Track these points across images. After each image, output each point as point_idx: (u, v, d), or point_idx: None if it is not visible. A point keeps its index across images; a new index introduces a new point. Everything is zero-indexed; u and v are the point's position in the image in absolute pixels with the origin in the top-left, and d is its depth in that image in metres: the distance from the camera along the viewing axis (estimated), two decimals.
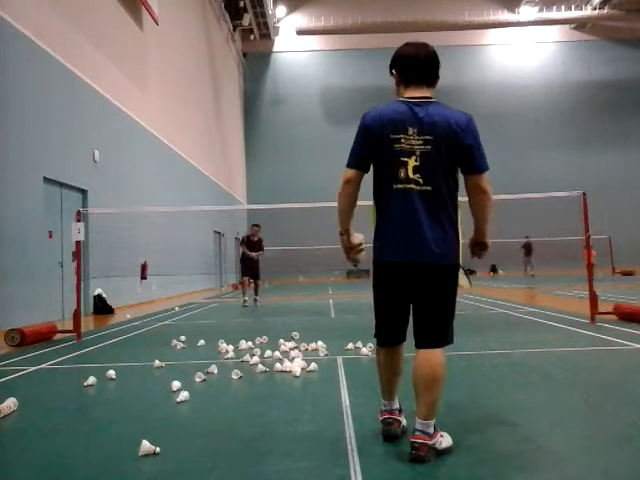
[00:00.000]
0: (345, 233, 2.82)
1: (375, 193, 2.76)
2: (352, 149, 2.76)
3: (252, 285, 13.05)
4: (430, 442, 2.50)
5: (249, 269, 12.67)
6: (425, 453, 2.47)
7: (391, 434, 2.78)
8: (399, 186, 2.61)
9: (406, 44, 2.77)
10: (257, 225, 12.81)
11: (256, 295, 12.77)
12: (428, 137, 2.57)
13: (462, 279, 2.76)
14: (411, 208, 2.59)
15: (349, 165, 2.73)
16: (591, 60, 33.18)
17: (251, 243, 12.66)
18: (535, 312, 8.98)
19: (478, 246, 2.84)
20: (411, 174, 2.59)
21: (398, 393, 2.88)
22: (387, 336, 2.80)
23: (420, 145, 2.58)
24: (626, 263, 26.21)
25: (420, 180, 2.58)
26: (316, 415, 3.32)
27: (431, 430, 2.53)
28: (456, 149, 2.59)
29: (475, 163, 2.62)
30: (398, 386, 2.86)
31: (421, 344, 2.66)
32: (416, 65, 2.69)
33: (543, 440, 2.75)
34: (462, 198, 2.68)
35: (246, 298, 12.58)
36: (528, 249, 25.24)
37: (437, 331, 2.65)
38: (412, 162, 2.58)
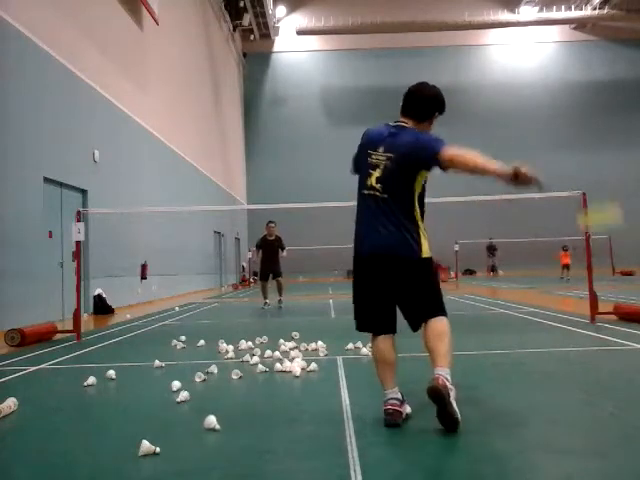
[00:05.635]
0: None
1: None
2: (353, 157, 3.33)
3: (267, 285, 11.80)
4: (448, 384, 2.80)
5: (268, 269, 11.63)
6: (444, 387, 2.76)
7: (391, 424, 2.95)
8: (366, 192, 3.13)
9: (417, 83, 3.24)
10: (273, 222, 11.72)
11: (280, 295, 11.71)
12: (390, 154, 3.07)
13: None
14: (373, 211, 3.09)
15: (352, 171, 3.35)
16: (591, 60, 33.18)
17: (268, 244, 11.65)
18: (535, 312, 8.97)
19: (513, 182, 2.91)
20: (374, 183, 3.09)
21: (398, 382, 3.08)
22: (365, 322, 3.15)
23: (384, 160, 3.08)
24: (626, 263, 26.19)
25: (380, 188, 3.07)
26: (316, 415, 3.31)
27: (449, 377, 2.83)
28: (414, 164, 3.04)
29: (429, 158, 3.00)
30: (394, 375, 3.09)
31: (420, 319, 3.04)
32: (409, 101, 3.19)
33: (543, 440, 2.75)
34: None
35: (267, 301, 11.49)
36: (491, 250, 25.66)
37: (426, 305, 3.05)
38: (375, 174, 3.09)
